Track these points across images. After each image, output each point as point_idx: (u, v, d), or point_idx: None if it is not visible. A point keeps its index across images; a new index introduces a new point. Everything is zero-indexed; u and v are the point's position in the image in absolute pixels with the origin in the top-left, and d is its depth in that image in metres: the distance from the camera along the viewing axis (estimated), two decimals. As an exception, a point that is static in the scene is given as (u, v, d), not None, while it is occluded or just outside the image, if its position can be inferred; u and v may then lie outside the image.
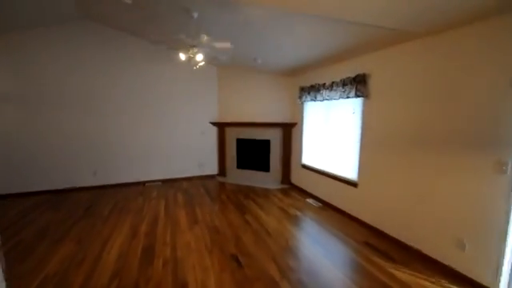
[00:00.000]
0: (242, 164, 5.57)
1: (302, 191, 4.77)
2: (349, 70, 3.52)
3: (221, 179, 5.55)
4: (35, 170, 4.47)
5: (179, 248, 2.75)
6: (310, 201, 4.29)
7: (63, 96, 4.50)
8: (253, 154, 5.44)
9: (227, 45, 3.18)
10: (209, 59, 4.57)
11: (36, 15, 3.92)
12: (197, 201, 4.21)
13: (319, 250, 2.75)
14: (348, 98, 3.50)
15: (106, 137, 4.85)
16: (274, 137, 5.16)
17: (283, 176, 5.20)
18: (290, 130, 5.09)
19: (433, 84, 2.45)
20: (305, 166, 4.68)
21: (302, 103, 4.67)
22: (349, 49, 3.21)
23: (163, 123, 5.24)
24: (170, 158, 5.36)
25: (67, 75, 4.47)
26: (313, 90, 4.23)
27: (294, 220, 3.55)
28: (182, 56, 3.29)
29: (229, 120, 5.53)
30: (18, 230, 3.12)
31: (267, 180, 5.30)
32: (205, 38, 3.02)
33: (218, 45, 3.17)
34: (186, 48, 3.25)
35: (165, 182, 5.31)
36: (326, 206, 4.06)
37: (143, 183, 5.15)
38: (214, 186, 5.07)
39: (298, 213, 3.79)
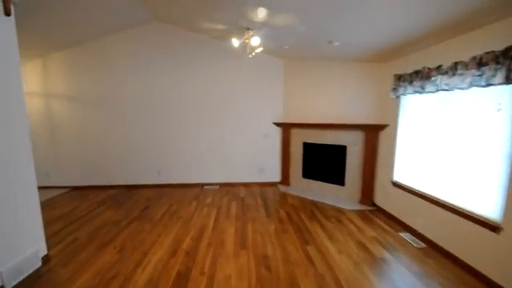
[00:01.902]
0: (309, 173, 4.63)
1: (391, 218, 3.47)
2: (489, 40, 2.14)
3: (283, 189, 4.77)
4: (111, 166, 4.83)
5: (217, 283, 2.14)
6: (404, 236, 3.01)
7: (134, 97, 4.67)
8: (323, 161, 4.43)
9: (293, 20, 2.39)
10: (272, 48, 3.87)
11: (112, 21, 4.12)
12: (251, 215, 3.57)
13: None
14: (489, 85, 2.11)
15: (171, 137, 4.83)
16: (353, 142, 4.00)
17: (363, 194, 3.99)
18: (375, 134, 3.83)
19: None
20: (398, 185, 3.37)
21: (398, 97, 3.36)
22: (489, 5, 1.88)
23: (224, 123, 4.86)
24: (229, 160, 4.95)
25: (136, 77, 4.62)
26: (418, 78, 2.92)
27: (381, 266, 2.42)
28: (236, 42, 2.70)
29: (295, 120, 4.69)
30: (80, 225, 3.21)
31: (341, 197, 4.19)
32: (263, 13, 2.32)
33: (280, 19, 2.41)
34: (240, 32, 2.64)
35: (223, 185, 4.94)
36: (434, 248, 2.71)
37: (202, 185, 4.92)
38: (273, 197, 4.34)
39: (387, 255, 2.62)
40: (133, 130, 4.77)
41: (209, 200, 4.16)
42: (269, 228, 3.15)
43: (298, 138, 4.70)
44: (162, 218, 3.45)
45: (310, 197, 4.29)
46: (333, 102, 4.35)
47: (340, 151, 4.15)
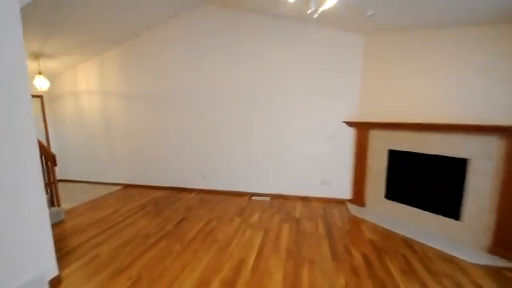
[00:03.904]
0: (396, 193, 3.27)
1: None
2: None
3: (354, 210, 3.54)
4: (158, 166, 4.59)
5: None
6: None
7: (180, 91, 4.26)
8: (423, 179, 3.01)
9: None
10: (346, 19, 2.68)
11: (161, 9, 3.75)
12: (308, 251, 2.54)
13: None
14: None
15: (218, 137, 4.22)
16: (482, 154, 2.48)
17: (498, 238, 2.42)
18: (531, 142, 2.23)
19: None
20: None
21: None
22: None
23: (279, 121, 3.93)
24: (284, 167, 4.00)
25: (183, 71, 4.18)
26: None
27: None
28: (292, -7, 1.74)
29: (377, 118, 3.38)
30: (109, 236, 2.84)
31: (454, 237, 2.71)
32: None
33: None
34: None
35: (274, 197, 4.04)
36: None
37: (250, 195, 4.14)
38: (341, 224, 3.17)
39: None
40: (181, 128, 4.37)
41: (255, 217, 3.32)
42: (335, 282, 2.06)
43: (381, 143, 3.38)
44: (195, 237, 2.80)
45: (398, 230, 2.95)
46: (444, 92, 2.87)
47: (455, 166, 2.67)
